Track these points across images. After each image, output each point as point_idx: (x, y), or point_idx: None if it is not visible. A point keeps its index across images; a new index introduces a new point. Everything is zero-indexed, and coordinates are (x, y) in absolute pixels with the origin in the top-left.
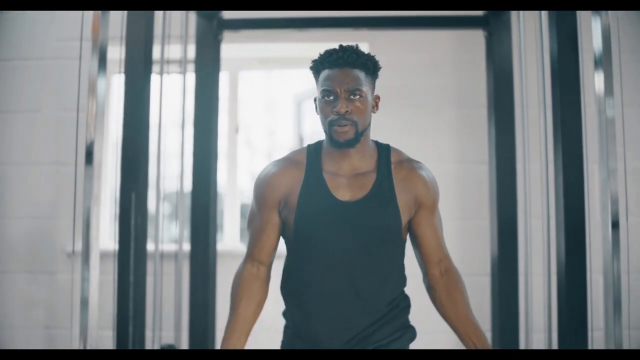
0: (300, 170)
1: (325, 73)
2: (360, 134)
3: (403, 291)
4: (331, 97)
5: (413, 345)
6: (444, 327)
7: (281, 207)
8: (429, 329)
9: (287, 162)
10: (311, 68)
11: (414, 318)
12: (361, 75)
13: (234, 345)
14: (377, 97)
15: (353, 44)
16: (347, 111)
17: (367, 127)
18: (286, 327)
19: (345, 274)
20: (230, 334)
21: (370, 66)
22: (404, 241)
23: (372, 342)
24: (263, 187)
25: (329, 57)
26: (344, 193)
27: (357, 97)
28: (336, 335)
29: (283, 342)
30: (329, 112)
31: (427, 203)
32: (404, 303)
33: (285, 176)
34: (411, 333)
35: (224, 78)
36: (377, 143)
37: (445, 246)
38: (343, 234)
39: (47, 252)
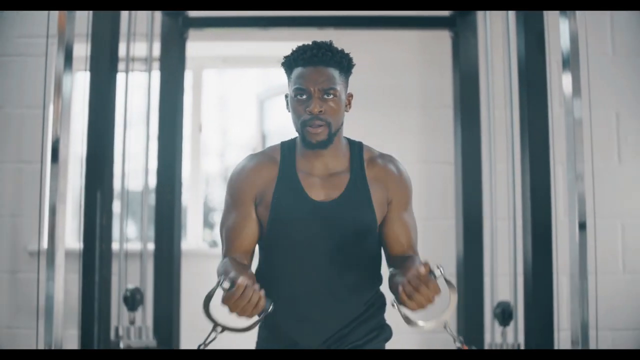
0: (275, 167)
1: (298, 71)
2: (333, 135)
3: (378, 289)
4: (304, 96)
5: (389, 344)
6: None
7: (257, 203)
8: (406, 328)
9: (263, 156)
10: (283, 64)
11: (389, 316)
12: (335, 73)
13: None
14: (350, 95)
15: (327, 40)
16: (320, 111)
17: (340, 126)
18: (261, 328)
19: (320, 274)
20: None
21: (345, 64)
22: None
23: (348, 342)
24: (240, 181)
25: (302, 55)
26: (318, 193)
27: (331, 96)
28: (312, 336)
29: (258, 343)
30: (301, 111)
31: (398, 199)
32: (380, 302)
33: (261, 171)
34: (387, 332)
35: (187, 76)
36: (349, 140)
37: (416, 247)
38: (318, 234)
39: (9, 251)
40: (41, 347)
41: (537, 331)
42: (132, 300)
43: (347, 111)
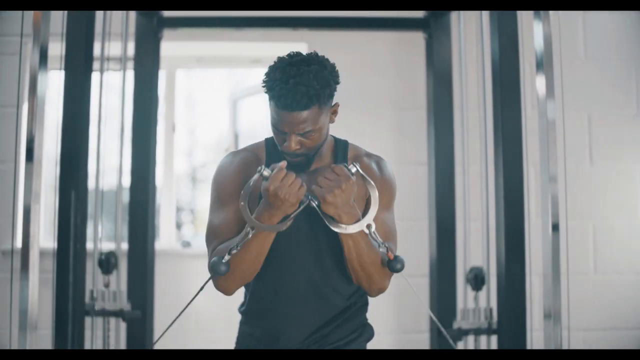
0: (260, 164)
1: (273, 106)
2: (312, 158)
3: (360, 288)
4: (281, 134)
5: (370, 344)
6: (402, 327)
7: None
8: (388, 328)
9: (247, 153)
10: (263, 86)
11: (371, 316)
12: (314, 111)
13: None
14: (336, 105)
15: (306, 66)
16: (298, 148)
17: (322, 145)
18: (242, 323)
19: (304, 271)
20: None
21: (327, 94)
22: None
23: (329, 343)
24: (225, 178)
25: (278, 98)
26: None
27: (309, 134)
28: (293, 333)
29: (238, 339)
30: (279, 141)
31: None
32: (362, 301)
33: (246, 167)
34: (368, 332)
35: (161, 76)
36: (335, 138)
37: (392, 247)
38: (302, 231)
39: None
40: (15, 347)
41: (511, 331)
42: (107, 263)
43: (332, 122)
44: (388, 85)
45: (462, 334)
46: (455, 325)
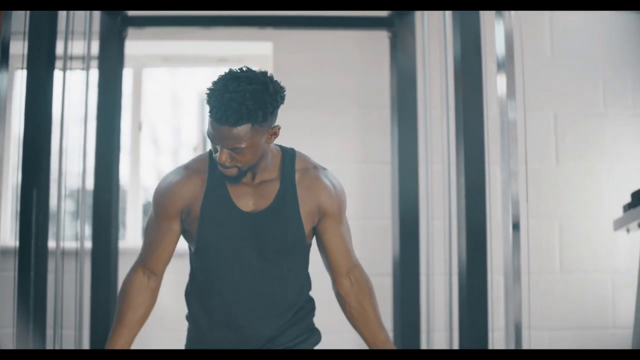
0: (202, 178)
1: (209, 116)
2: (246, 171)
3: (307, 294)
4: (214, 143)
5: (318, 348)
6: (348, 326)
7: (183, 217)
8: (334, 328)
9: (189, 170)
10: (205, 93)
11: (318, 321)
12: (246, 129)
13: (120, 347)
14: (277, 128)
15: (247, 84)
16: (228, 160)
17: (258, 160)
18: (189, 331)
19: (249, 283)
20: (116, 338)
21: (260, 115)
22: (309, 246)
23: (278, 345)
24: (164, 197)
25: (211, 109)
26: (246, 203)
27: (238, 151)
28: (242, 342)
29: (187, 346)
30: (214, 150)
31: (331, 212)
32: (309, 305)
33: (186, 185)
34: (316, 336)
35: (127, 75)
36: (282, 148)
37: (355, 255)
38: (246, 244)
39: None
40: None
41: (472, 331)
42: None
43: (269, 143)
44: (352, 84)
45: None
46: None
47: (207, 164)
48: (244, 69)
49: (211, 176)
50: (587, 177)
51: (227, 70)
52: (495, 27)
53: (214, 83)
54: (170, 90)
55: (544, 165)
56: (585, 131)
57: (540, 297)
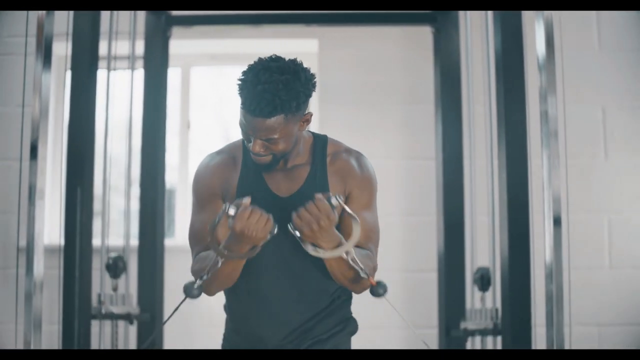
0: (237, 164)
1: (241, 107)
2: (279, 158)
3: None
4: (246, 134)
5: (355, 339)
6: (388, 321)
7: (223, 200)
8: (373, 323)
9: (224, 154)
10: (237, 84)
11: (356, 310)
12: (279, 120)
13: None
14: (309, 115)
15: (279, 74)
16: (261, 150)
17: (292, 147)
18: (227, 321)
19: (284, 268)
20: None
21: (293, 106)
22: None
23: (311, 337)
24: (203, 181)
25: (244, 100)
26: (280, 187)
27: (272, 141)
28: (275, 330)
29: (224, 336)
30: (246, 140)
31: (356, 195)
32: (345, 294)
33: (222, 167)
34: (352, 326)
35: (176, 74)
36: (313, 134)
37: (373, 248)
38: (281, 228)
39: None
40: (20, 344)
41: (515, 328)
42: (115, 267)
43: (302, 130)
44: (397, 80)
45: (468, 334)
46: (462, 326)
47: (240, 150)
48: (273, 57)
49: (245, 163)
50: (637, 171)
51: (256, 60)
52: (535, 23)
53: (245, 73)
54: (218, 89)
55: (592, 160)
56: (634, 124)
57: (590, 293)
